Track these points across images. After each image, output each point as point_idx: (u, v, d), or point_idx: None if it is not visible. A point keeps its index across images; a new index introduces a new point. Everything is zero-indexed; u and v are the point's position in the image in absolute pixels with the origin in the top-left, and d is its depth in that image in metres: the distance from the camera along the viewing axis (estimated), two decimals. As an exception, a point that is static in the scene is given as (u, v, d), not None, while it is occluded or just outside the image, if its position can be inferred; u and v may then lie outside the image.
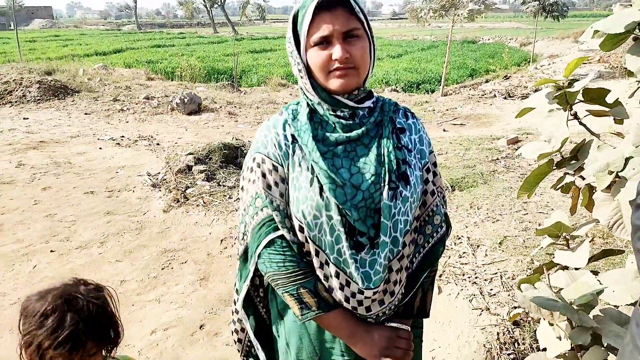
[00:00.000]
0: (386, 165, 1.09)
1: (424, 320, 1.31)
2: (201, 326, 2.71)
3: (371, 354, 1.11)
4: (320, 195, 1.06)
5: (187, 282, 3.15)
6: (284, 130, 1.13)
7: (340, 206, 1.05)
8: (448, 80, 15.23)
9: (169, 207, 4.23)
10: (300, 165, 1.09)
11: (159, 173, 5.11)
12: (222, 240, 3.67)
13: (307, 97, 1.12)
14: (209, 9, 45.03)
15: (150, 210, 4.25)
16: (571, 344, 1.54)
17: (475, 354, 2.33)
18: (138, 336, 2.62)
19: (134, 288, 3.09)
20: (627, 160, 1.28)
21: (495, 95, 10.88)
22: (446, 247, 3.35)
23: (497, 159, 5.44)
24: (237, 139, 6.17)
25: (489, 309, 2.63)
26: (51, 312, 1.07)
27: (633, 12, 1.30)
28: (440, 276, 3.00)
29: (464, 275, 2.99)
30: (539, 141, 1.72)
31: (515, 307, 2.60)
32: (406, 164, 1.12)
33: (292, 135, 1.11)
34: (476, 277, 2.94)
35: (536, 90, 1.84)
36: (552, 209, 3.72)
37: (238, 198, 4.38)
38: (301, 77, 1.10)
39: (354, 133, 1.10)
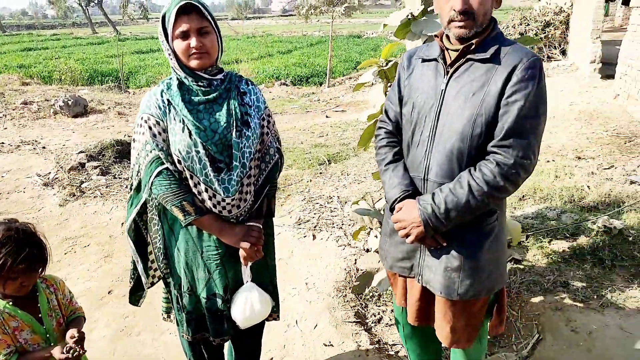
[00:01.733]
0: (233, 116, 1.66)
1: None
2: (109, 291, 3.08)
3: (234, 240, 1.68)
4: (190, 137, 1.60)
5: (91, 261, 3.46)
6: (162, 96, 1.65)
7: (204, 144, 1.60)
8: (335, 73, 16.30)
9: (65, 201, 4.40)
10: (174, 119, 1.62)
11: (50, 173, 5.17)
12: (122, 224, 3.99)
13: (177, 73, 1.65)
14: (84, 7, 41.92)
15: (45, 207, 4.38)
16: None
17: (338, 275, 3.02)
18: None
19: (40, 271, 3.33)
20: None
21: (373, 83, 12.01)
22: (321, 205, 4.05)
23: (368, 136, 6.31)
24: (129, 136, 6.35)
25: (349, 244, 3.35)
26: (8, 240, 1.48)
27: (403, 13, 2.03)
28: (315, 227, 3.67)
29: (333, 224, 3.69)
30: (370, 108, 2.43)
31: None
32: (247, 115, 1.71)
33: (168, 100, 1.64)
34: (342, 224, 3.66)
35: (364, 70, 2.57)
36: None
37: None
38: (170, 59, 1.63)
39: (210, 96, 1.66)
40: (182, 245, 1.74)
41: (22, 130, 7.43)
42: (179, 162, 1.63)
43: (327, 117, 8.70)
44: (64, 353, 1.53)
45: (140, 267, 1.85)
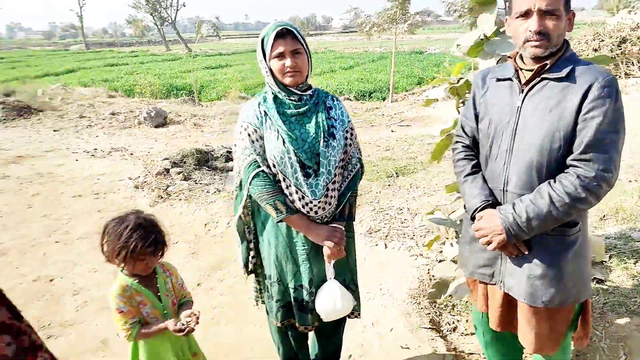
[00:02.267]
0: (321, 128, 1.86)
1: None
2: (198, 284, 3.36)
3: (319, 239, 1.87)
4: (284, 145, 1.82)
5: (181, 256, 3.78)
6: (259, 108, 1.87)
7: (295, 151, 1.81)
8: (397, 88, 16.39)
9: (154, 202, 4.82)
10: (270, 128, 1.84)
11: (139, 177, 5.67)
12: (205, 224, 4.32)
13: (271, 88, 1.88)
14: (159, 27, 44.89)
15: (137, 206, 4.81)
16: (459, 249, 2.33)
17: (412, 283, 3.12)
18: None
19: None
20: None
21: (437, 100, 11.98)
22: (391, 216, 4.16)
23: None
24: (206, 145, 6.81)
25: (422, 254, 3.44)
26: (137, 228, 1.74)
27: (475, 33, 2.15)
28: (386, 236, 3.78)
29: (404, 234, 3.79)
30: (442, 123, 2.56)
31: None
32: (333, 128, 1.91)
33: (264, 111, 1.86)
34: (414, 235, 3.75)
35: (434, 87, 2.69)
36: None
37: (215, 191, 5.03)
38: (267, 76, 1.86)
39: (301, 109, 1.87)
40: (272, 240, 1.94)
41: (111, 138, 8.16)
42: (274, 166, 1.84)
43: (392, 131, 8.81)
44: (177, 326, 1.76)
45: (241, 256, 2.07)
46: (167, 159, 5.97)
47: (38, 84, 14.65)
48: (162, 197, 4.92)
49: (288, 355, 2.20)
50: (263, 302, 2.14)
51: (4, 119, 9.34)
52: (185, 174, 5.56)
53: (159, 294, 1.87)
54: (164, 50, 42.89)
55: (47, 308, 3.12)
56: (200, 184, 5.33)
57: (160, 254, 1.85)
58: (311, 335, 2.27)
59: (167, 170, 5.65)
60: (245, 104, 1.94)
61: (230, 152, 6.63)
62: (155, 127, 8.85)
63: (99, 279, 3.43)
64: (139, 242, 1.72)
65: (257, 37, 1.91)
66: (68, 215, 4.64)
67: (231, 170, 6.19)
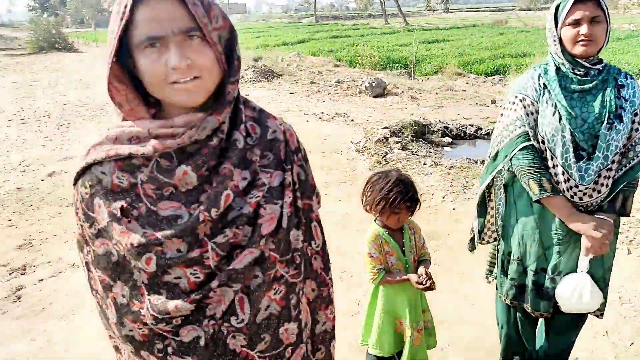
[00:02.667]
0: (607, 108, 1.67)
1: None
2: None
3: (582, 228, 1.71)
4: (559, 122, 1.69)
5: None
6: (538, 80, 1.78)
7: (571, 130, 1.67)
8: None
9: (373, 166, 5.15)
10: (546, 102, 1.73)
11: (360, 142, 6.10)
12: (421, 195, 4.43)
13: (555, 59, 1.75)
14: (382, 0, 46.12)
15: (357, 168, 5.23)
16: None
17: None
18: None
19: (356, 219, 4.03)
20: None
21: None
22: (638, 220, 3.58)
23: None
24: (423, 119, 6.87)
25: (680, 271, 2.88)
26: (398, 182, 1.90)
27: None
28: (630, 241, 3.28)
29: (656, 244, 3.22)
30: None
31: None
32: (622, 109, 1.69)
33: (543, 84, 1.76)
34: (669, 247, 3.16)
35: None
36: None
37: (432, 164, 5.09)
38: (555, 45, 1.73)
39: (586, 86, 1.70)
40: (521, 217, 1.87)
41: (335, 104, 8.92)
42: (542, 142, 1.74)
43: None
44: (418, 281, 1.89)
45: (477, 226, 2.07)
46: (387, 127, 6.25)
47: (277, 52, 16.81)
48: (380, 163, 5.21)
49: (509, 337, 2.15)
50: (495, 278, 2.12)
51: (254, 80, 11.08)
52: (403, 144, 5.75)
53: (403, 248, 2.02)
54: (382, 23, 44.13)
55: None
56: (417, 155, 5.45)
57: (412, 211, 1.99)
58: (539, 324, 2.17)
59: (386, 139, 5.93)
60: (522, 75, 1.88)
61: (446, 128, 6.56)
62: (374, 97, 9.30)
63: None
64: (398, 196, 1.88)
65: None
66: (301, 167, 5.31)
67: (446, 145, 6.14)
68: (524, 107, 1.78)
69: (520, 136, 1.78)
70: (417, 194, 1.96)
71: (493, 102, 8.57)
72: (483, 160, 5.05)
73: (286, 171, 0.98)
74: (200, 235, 0.88)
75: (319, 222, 1.10)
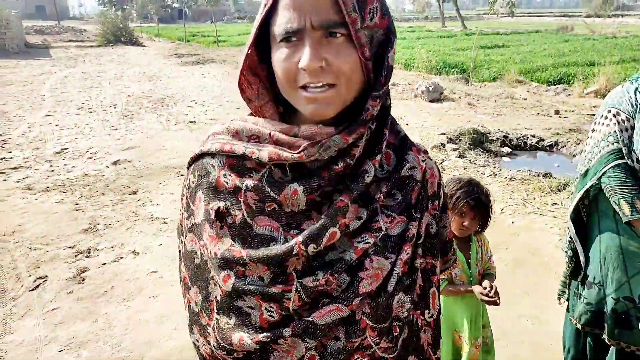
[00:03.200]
0: None
1: None
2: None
3: None
4: None
5: (451, 230, 3.88)
6: (635, 94, 1.66)
7: None
8: None
9: (429, 173, 5.04)
10: None
11: (415, 147, 5.99)
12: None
13: None
14: (440, 3, 45.23)
15: (412, 174, 5.13)
16: None
17: None
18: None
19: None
20: None
21: None
22: None
23: None
24: (482, 127, 6.66)
25: None
26: (469, 183, 1.85)
27: None
28: None
29: None
30: None
31: None
32: None
33: None
34: None
35: None
36: None
37: (491, 174, 4.92)
38: None
39: None
40: (605, 239, 1.75)
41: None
42: (638, 161, 1.62)
43: None
44: (483, 292, 1.81)
45: (579, 248, 1.89)
46: (444, 134, 6.11)
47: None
48: (436, 170, 5.09)
49: (576, 361, 2.03)
50: (567, 299, 2.01)
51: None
52: (460, 152, 5.60)
53: (469, 260, 1.95)
54: (439, 26, 43.27)
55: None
56: (475, 164, 5.28)
57: (480, 223, 1.92)
58: (610, 352, 2.03)
59: (443, 145, 5.79)
60: (616, 88, 1.77)
61: (506, 137, 6.33)
62: (430, 101, 9.12)
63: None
64: (462, 195, 1.82)
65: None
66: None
67: (505, 155, 5.92)
68: (618, 123, 1.67)
69: (612, 153, 1.68)
70: (486, 198, 1.88)
71: (557, 112, 8.18)
72: (546, 174, 4.83)
73: (413, 220, 0.81)
74: (289, 268, 0.76)
75: (438, 288, 0.90)
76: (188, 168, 0.88)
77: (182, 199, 0.89)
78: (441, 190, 0.89)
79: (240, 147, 0.78)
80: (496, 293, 1.82)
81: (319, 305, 0.75)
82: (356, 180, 0.75)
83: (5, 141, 6.60)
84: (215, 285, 0.80)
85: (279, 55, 0.70)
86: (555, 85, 11.60)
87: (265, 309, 0.76)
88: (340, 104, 0.72)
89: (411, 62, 15.62)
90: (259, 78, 0.80)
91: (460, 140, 5.98)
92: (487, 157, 5.62)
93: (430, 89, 9.16)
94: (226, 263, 0.77)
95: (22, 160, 5.76)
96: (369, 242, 0.76)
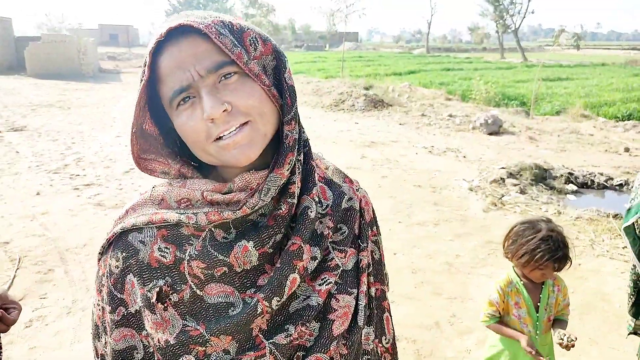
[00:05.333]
0: None
1: None
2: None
3: None
4: None
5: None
6: None
7: None
8: None
9: (488, 208, 4.90)
10: None
11: (473, 180, 5.85)
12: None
13: None
14: (500, 34, 44.63)
15: (470, 208, 5.01)
16: None
17: None
18: (478, 296, 3.34)
19: (467, 262, 3.85)
20: None
21: None
22: None
23: None
24: (545, 162, 6.42)
25: None
26: (547, 238, 1.76)
27: None
28: None
29: None
30: None
31: None
32: None
33: None
34: None
35: None
36: None
37: (555, 212, 4.70)
38: None
39: None
40: None
41: (446, 139, 8.71)
42: None
43: None
44: (528, 347, 1.73)
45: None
46: (504, 168, 5.94)
47: (388, 82, 16.96)
48: (495, 205, 4.94)
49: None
50: (635, 333, 1.88)
51: (364, 109, 11.26)
52: (521, 187, 5.41)
53: (539, 304, 1.87)
54: (498, 57, 42.52)
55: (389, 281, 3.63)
56: (537, 200, 5.08)
57: (560, 268, 1.83)
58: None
59: (503, 180, 5.63)
60: None
61: (571, 175, 6.06)
62: (489, 134, 8.91)
63: (446, 275, 3.74)
64: (546, 255, 1.73)
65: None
66: (409, 200, 5.24)
67: (570, 193, 5.66)
68: None
69: None
70: (568, 250, 1.80)
71: (626, 150, 7.74)
72: (616, 215, 4.57)
73: (362, 250, 0.80)
74: (255, 330, 0.69)
75: (390, 312, 0.88)
76: (103, 253, 0.77)
77: (99, 291, 0.77)
78: (375, 215, 0.88)
79: (173, 215, 0.70)
80: (573, 344, 1.73)
81: None
82: (302, 219, 0.71)
83: (80, 159, 7.10)
84: None
85: (182, 119, 0.66)
86: (624, 121, 11.01)
87: None
88: (261, 139, 0.68)
89: (468, 94, 15.40)
90: (161, 154, 0.75)
91: (521, 175, 5.78)
92: (551, 194, 5.39)
93: (489, 121, 8.98)
94: (182, 347, 0.68)
95: (95, 178, 6.16)
96: (330, 282, 0.73)
